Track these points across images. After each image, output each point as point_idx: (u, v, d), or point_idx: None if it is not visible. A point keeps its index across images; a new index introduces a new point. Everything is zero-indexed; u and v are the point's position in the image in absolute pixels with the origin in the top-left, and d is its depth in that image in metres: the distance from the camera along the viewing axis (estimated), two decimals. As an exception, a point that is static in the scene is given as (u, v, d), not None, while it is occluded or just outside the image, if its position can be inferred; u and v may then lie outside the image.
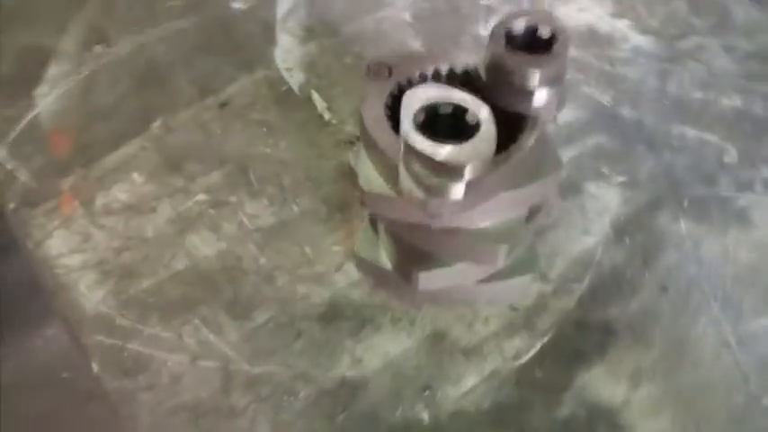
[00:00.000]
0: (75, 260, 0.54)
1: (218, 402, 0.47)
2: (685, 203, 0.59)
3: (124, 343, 0.49)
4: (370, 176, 0.44)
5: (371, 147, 0.43)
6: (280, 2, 0.74)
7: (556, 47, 0.42)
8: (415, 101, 0.39)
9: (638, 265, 0.55)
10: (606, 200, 0.59)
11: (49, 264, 0.54)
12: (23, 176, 0.59)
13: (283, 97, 0.66)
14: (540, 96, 0.42)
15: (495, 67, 0.43)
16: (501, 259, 0.46)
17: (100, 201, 0.58)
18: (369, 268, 0.52)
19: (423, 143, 0.36)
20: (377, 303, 0.52)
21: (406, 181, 0.39)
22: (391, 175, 0.42)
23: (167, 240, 0.55)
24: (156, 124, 0.63)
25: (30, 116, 0.63)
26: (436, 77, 0.47)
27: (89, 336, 0.50)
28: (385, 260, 0.50)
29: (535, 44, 0.43)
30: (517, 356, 0.50)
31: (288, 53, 0.69)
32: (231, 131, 0.63)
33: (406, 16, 0.74)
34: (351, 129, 0.62)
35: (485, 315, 0.52)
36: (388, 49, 0.71)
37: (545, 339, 0.51)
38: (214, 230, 0.56)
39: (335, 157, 0.61)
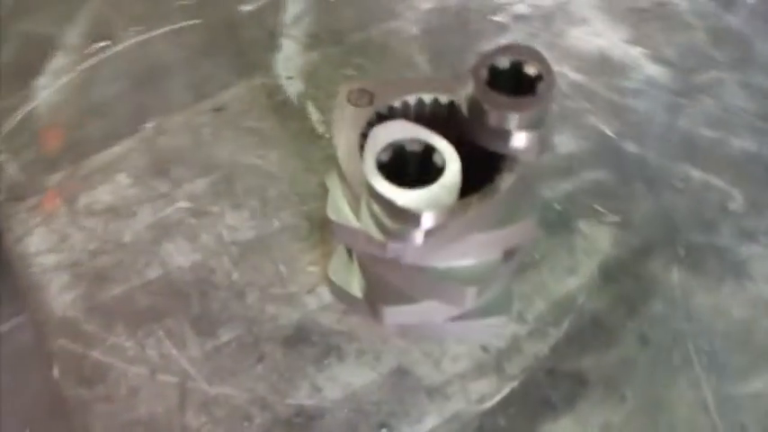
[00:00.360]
0: (50, 260, 0.54)
1: (172, 420, 0.47)
2: (681, 250, 0.57)
3: (86, 350, 0.49)
4: (338, 204, 0.43)
5: (341, 176, 0.42)
6: (288, 6, 0.73)
7: (540, 87, 0.40)
8: (381, 138, 0.37)
9: (621, 312, 0.53)
10: (597, 240, 0.57)
11: (26, 261, 0.54)
12: (12, 169, 0.59)
13: (279, 107, 0.65)
14: (519, 139, 0.40)
15: (474, 104, 0.41)
16: (469, 300, 0.45)
17: (83, 200, 0.58)
18: (340, 294, 0.51)
19: (382, 185, 0.35)
20: (344, 331, 0.51)
21: (365, 219, 0.38)
22: (357, 208, 0.41)
23: (143, 247, 0.55)
24: (149, 125, 0.63)
25: (26, 108, 0.63)
26: (419, 107, 0.46)
27: (53, 339, 0.50)
28: (356, 288, 0.49)
29: (520, 81, 0.41)
30: (482, 400, 0.48)
31: (289, 61, 0.68)
32: (223, 138, 0.62)
33: (414, 30, 0.73)
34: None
35: (454, 353, 0.50)
36: (392, 62, 0.70)
37: (513, 385, 0.49)
38: (191, 240, 0.55)
39: (323, 171, 0.59)
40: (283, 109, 0.64)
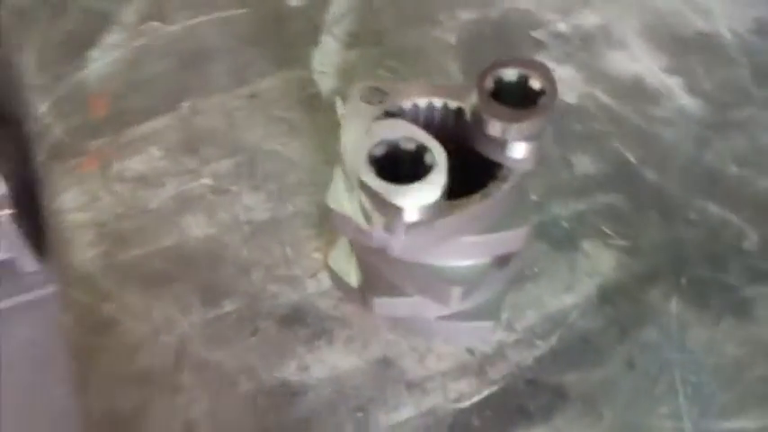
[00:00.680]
0: (79, 217, 0.58)
1: (166, 377, 0.50)
2: (684, 282, 0.56)
3: (98, 303, 0.53)
4: (339, 193, 0.45)
5: (342, 168, 0.44)
6: (333, 4, 0.76)
7: (541, 101, 0.42)
8: (377, 133, 0.39)
9: (612, 334, 0.53)
10: (600, 261, 0.58)
11: (58, 216, 0.58)
12: (57, 131, 0.64)
13: (310, 99, 0.68)
14: (515, 149, 0.42)
15: (476, 112, 0.42)
16: (455, 300, 0.46)
17: (116, 167, 0.62)
18: (338, 281, 0.53)
19: (370, 176, 0.37)
20: (338, 317, 0.53)
21: (355, 208, 0.40)
22: (352, 198, 0.43)
23: (165, 216, 0.58)
24: (186, 104, 0.67)
25: (78, 77, 0.68)
26: (429, 110, 0.47)
27: (71, 289, 0.54)
28: (353, 278, 0.51)
29: (525, 94, 0.43)
30: (459, 400, 0.50)
31: (326, 56, 0.71)
32: (252, 123, 0.66)
33: (452, 38, 0.74)
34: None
35: (439, 352, 0.52)
36: (425, 67, 0.72)
37: (493, 389, 0.50)
38: (209, 215, 0.59)
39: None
40: (313, 102, 0.67)
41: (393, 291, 0.48)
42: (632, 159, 0.65)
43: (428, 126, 0.44)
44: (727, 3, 0.77)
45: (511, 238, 0.45)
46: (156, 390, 0.50)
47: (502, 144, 0.42)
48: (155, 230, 0.57)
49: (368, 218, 0.39)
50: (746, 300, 0.56)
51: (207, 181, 0.61)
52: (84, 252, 0.56)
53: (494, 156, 0.43)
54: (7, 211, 1.37)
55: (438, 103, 0.47)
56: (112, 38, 0.71)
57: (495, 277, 0.49)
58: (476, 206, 0.42)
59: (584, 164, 0.65)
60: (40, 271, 1.46)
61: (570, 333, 0.53)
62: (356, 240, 0.46)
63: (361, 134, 0.45)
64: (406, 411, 0.49)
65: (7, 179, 1.36)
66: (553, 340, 0.53)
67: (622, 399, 0.50)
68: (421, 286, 0.46)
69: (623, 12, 0.78)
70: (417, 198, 0.37)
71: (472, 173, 0.44)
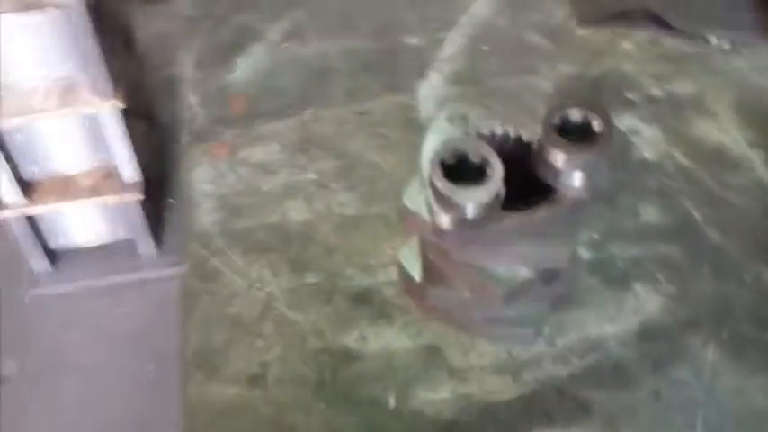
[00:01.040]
0: (206, 188, 0.71)
1: (252, 324, 0.61)
2: (724, 335, 0.60)
3: (211, 257, 0.65)
4: (413, 194, 0.54)
5: (419, 172, 0.53)
6: (446, 46, 0.86)
7: (598, 140, 0.49)
8: (451, 144, 0.48)
9: (645, 366, 0.58)
10: (647, 302, 0.62)
11: (191, 185, 0.72)
12: (201, 119, 0.78)
13: (408, 121, 0.78)
14: (569, 178, 0.49)
15: (540, 142, 0.50)
16: (497, 302, 0.53)
17: (242, 154, 0.75)
18: (404, 274, 0.61)
19: (436, 176, 0.46)
20: (399, 305, 0.62)
21: (421, 203, 0.49)
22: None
23: (273, 198, 0.70)
24: (308, 112, 0.79)
25: (226, 78, 0.83)
26: (504, 138, 0.56)
27: (191, 244, 0.66)
28: (417, 272, 0.60)
29: (587, 133, 0.50)
30: (492, 393, 0.56)
31: (431, 89, 0.81)
32: (357, 135, 0.77)
33: (548, 87, 0.82)
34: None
35: (482, 349, 0.59)
36: (517, 109, 0.80)
37: (524, 390, 0.57)
38: (308, 203, 0.70)
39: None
40: (411, 124, 0.77)
41: (447, 285, 0.56)
42: (698, 217, 0.69)
43: (499, 151, 0.52)
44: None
45: (552, 255, 0.52)
46: (243, 332, 0.60)
47: (558, 172, 0.49)
48: (263, 208, 0.69)
49: (431, 212, 0.48)
50: (786, 362, 0.58)
51: (312, 176, 0.72)
52: (206, 216, 0.69)
53: (550, 181, 0.50)
54: (137, 196, 1.56)
55: (513, 133, 0.55)
56: (258, 50, 0.85)
57: (541, 292, 0.56)
58: (525, 219, 0.49)
59: (650, 214, 0.70)
60: (155, 254, 1.64)
61: (605, 357, 0.58)
62: (422, 236, 0.54)
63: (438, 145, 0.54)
64: (443, 392, 0.56)
65: (144, 170, 1.56)
66: (588, 360, 0.58)
67: (643, 424, 0.55)
68: (471, 284, 0.54)
69: (720, 85, 0.82)
70: (471, 198, 0.45)
71: (533, 198, 0.51)
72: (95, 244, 1.67)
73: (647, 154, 0.75)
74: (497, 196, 0.49)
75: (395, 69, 0.83)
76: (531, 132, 0.54)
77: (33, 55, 1.38)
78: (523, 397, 0.56)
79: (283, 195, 0.70)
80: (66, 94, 1.44)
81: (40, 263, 1.64)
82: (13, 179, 1.49)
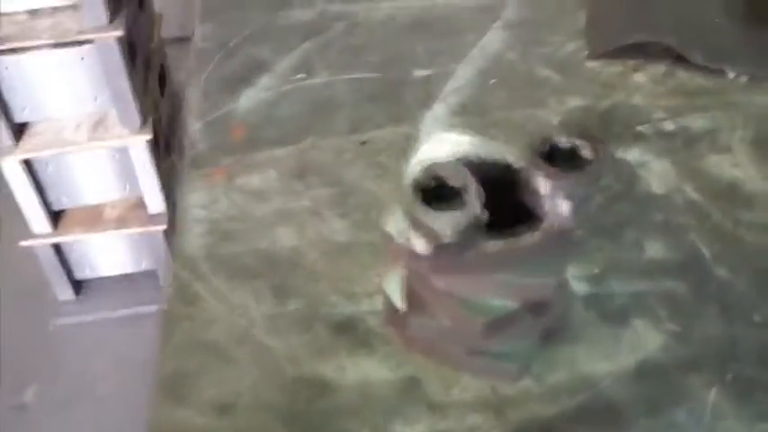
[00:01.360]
0: (199, 213, 0.71)
1: (228, 350, 0.59)
2: (729, 377, 0.56)
3: (194, 281, 0.64)
4: (398, 220, 0.52)
5: (400, 196, 0.52)
6: (453, 79, 0.86)
7: (587, 169, 0.47)
8: (430, 167, 0.47)
9: (640, 407, 0.54)
10: (646, 340, 0.58)
11: (184, 209, 0.72)
12: (202, 146, 0.79)
13: (409, 151, 0.76)
14: (555, 206, 0.47)
15: (527, 168, 0.48)
16: (479, 334, 0.51)
17: (239, 181, 0.74)
18: (387, 303, 0.59)
19: (412, 199, 0.44)
20: (382, 335, 0.59)
21: (400, 229, 0.47)
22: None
23: (265, 224, 0.69)
24: (308, 141, 0.79)
25: (230, 107, 0.84)
26: (492, 164, 0.54)
27: (177, 266, 0.66)
28: (399, 300, 0.57)
29: (577, 161, 0.48)
30: (472, 429, 0.53)
31: (435, 120, 0.80)
32: (356, 164, 0.76)
33: (554, 119, 0.80)
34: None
35: (465, 384, 0.56)
36: (521, 138, 0.78)
37: (506, 429, 0.53)
38: (299, 230, 0.69)
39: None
40: (412, 153, 0.76)
41: (429, 314, 0.53)
42: (706, 254, 0.65)
43: (485, 177, 0.50)
44: None
45: (537, 286, 0.49)
46: (217, 358, 0.59)
47: (545, 200, 0.47)
48: (253, 234, 0.68)
49: (408, 237, 0.46)
50: (798, 411, 0.53)
51: (306, 203, 0.71)
52: (195, 239, 0.68)
53: (536, 209, 0.48)
54: (161, 228, 1.59)
55: (502, 161, 0.53)
56: (265, 81, 0.86)
57: (528, 325, 0.53)
58: (506, 247, 0.47)
59: (656, 249, 0.66)
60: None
61: (598, 397, 0.54)
62: (401, 261, 0.52)
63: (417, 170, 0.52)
64: (421, 427, 0.53)
65: (166, 199, 1.59)
66: (579, 399, 0.54)
67: (635, 471, 0.50)
68: (451, 313, 0.52)
69: (736, 119, 0.79)
70: (447, 222, 0.43)
71: (521, 227, 0.49)
72: (119, 273, 1.70)
73: (656, 187, 0.72)
74: (476, 221, 0.47)
75: (400, 101, 0.83)
76: (521, 158, 0.52)
77: (67, 88, 1.43)
78: (505, 437, 0.53)
79: (275, 222, 0.70)
80: (97, 127, 1.50)
81: (64, 292, 1.67)
82: (43, 209, 1.53)
